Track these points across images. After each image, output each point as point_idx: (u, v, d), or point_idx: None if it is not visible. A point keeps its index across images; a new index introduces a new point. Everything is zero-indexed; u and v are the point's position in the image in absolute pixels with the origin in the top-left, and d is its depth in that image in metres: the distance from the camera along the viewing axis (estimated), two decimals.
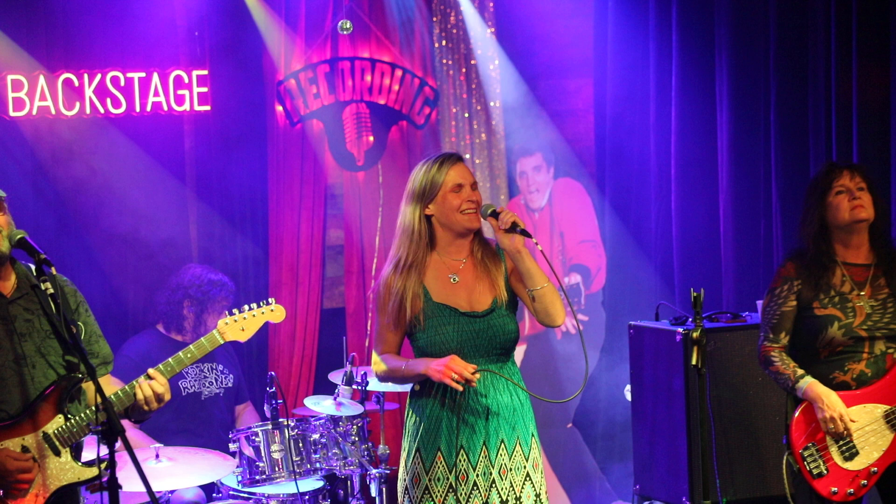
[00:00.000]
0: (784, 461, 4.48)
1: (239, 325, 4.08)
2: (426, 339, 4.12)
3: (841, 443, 4.41)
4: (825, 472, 4.41)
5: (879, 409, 4.44)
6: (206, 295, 6.06)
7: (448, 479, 4.08)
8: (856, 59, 5.61)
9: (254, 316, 4.12)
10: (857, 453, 4.42)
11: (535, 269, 4.07)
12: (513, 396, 4.14)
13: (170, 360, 3.90)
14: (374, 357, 4.24)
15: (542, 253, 4.04)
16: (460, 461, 4.07)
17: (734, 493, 5.32)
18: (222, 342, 4.02)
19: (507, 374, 4.14)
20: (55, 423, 3.76)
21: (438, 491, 4.09)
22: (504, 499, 4.07)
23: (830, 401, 4.38)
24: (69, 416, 3.78)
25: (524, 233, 4.03)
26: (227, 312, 4.18)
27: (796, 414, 4.47)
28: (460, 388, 3.99)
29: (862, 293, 4.50)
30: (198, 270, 6.16)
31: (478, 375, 3.99)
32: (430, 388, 4.12)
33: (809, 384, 4.41)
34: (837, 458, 4.42)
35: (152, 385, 3.82)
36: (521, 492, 4.09)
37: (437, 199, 4.14)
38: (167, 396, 3.86)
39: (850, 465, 4.42)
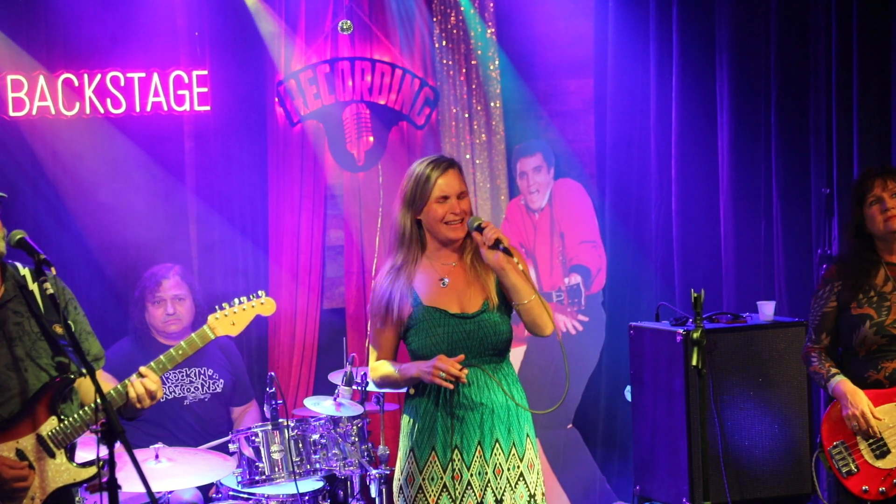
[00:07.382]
0: (813, 459, 4.50)
1: (229, 320, 4.04)
2: (418, 342, 4.13)
3: (871, 441, 4.41)
4: (855, 470, 4.41)
5: None
6: (143, 290, 6.03)
7: (442, 478, 4.08)
8: (857, 61, 5.61)
9: (244, 309, 4.08)
10: (888, 451, 4.41)
11: (521, 284, 4.08)
12: (507, 396, 4.14)
13: (161, 357, 3.88)
14: (371, 363, 4.26)
15: (522, 273, 4.06)
16: (455, 461, 4.07)
17: (734, 495, 5.31)
18: (213, 337, 3.98)
19: (500, 375, 4.14)
20: (49, 425, 3.74)
21: (432, 490, 4.09)
22: (499, 498, 4.07)
23: (856, 398, 4.39)
24: (62, 416, 3.76)
25: (506, 251, 4.04)
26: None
27: (827, 412, 4.48)
28: (451, 387, 4.00)
29: None
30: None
31: (465, 371, 3.99)
32: (425, 388, 4.12)
33: (838, 382, 4.43)
34: (868, 457, 4.42)
35: (144, 383, 3.81)
36: (514, 492, 4.09)
37: (424, 210, 4.15)
38: (160, 394, 3.84)
39: (881, 464, 4.42)
